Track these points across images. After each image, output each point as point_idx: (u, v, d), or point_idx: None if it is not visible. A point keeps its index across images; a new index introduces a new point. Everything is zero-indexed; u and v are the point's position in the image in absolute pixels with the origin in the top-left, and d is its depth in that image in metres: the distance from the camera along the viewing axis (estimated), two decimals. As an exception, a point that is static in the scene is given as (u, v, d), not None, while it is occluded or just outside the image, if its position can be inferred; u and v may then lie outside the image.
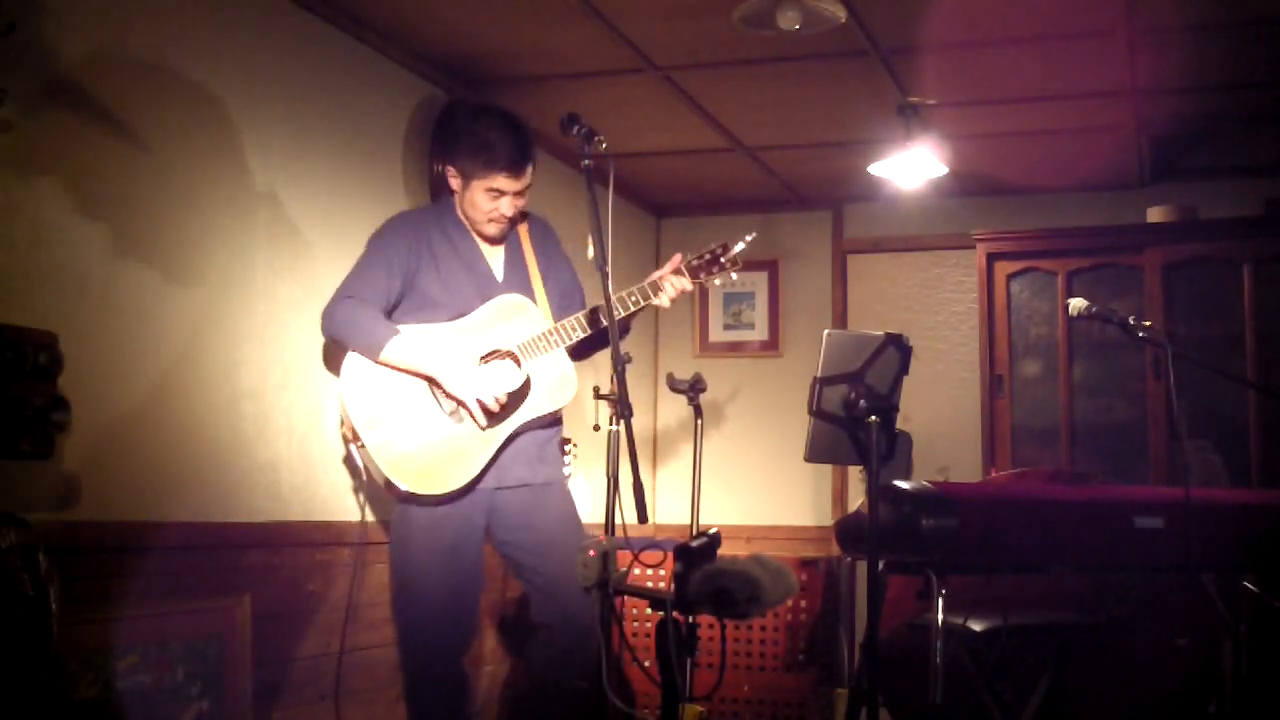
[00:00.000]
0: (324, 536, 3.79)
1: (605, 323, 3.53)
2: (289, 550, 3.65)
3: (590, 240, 3.30)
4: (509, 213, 3.58)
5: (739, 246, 3.70)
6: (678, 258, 3.69)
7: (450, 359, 3.45)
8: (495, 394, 3.44)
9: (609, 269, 3.30)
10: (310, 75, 3.82)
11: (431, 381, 3.47)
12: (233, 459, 3.47)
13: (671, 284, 3.63)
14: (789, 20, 3.68)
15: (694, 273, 3.68)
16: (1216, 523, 3.66)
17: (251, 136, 3.57)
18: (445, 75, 4.44)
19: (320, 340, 3.80)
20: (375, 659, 3.98)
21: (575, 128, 3.34)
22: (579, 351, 3.75)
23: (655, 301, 3.63)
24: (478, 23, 4.02)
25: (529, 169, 3.57)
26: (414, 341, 3.46)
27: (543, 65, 4.40)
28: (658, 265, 6.28)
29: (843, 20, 3.76)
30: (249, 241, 3.55)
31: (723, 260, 3.70)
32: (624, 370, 3.18)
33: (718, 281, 3.72)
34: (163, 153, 3.26)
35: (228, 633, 3.36)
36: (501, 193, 3.54)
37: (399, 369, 3.46)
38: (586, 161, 3.32)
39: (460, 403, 3.46)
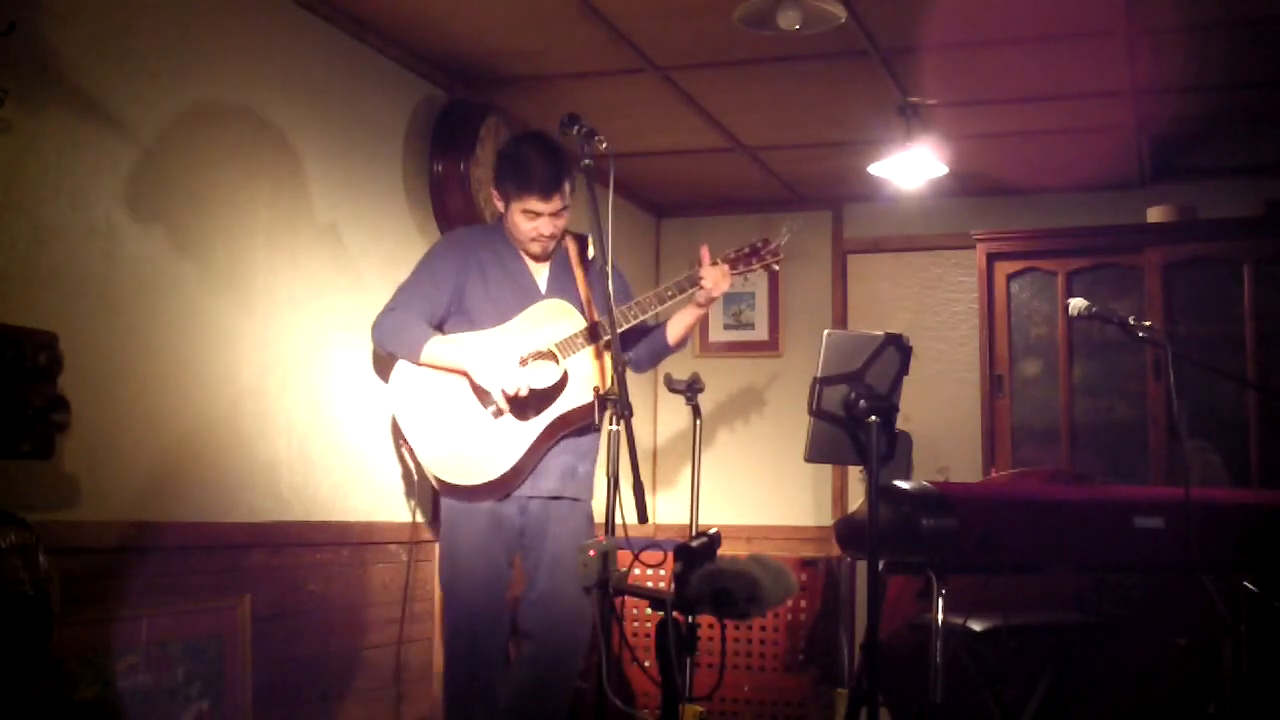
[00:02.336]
0: (324, 536, 3.79)
1: (640, 318, 3.76)
2: (289, 550, 3.65)
3: (591, 240, 3.30)
4: (548, 231, 3.71)
5: (782, 239, 3.89)
6: (705, 251, 3.83)
7: (482, 353, 3.60)
8: (521, 384, 3.57)
9: (610, 269, 3.30)
10: (310, 75, 3.82)
11: (466, 376, 3.62)
12: (233, 459, 3.47)
13: (708, 275, 3.79)
14: (789, 20, 3.68)
15: (733, 265, 3.84)
16: (1216, 523, 3.66)
17: (251, 136, 3.57)
18: (445, 75, 4.44)
19: (321, 339, 3.81)
20: (376, 659, 3.98)
21: (575, 128, 3.35)
22: (625, 344, 3.86)
23: (695, 290, 3.79)
24: (478, 23, 4.02)
25: (559, 192, 3.67)
26: (452, 341, 3.65)
27: (543, 65, 4.40)
28: (658, 265, 6.34)
29: (843, 20, 3.76)
30: (249, 241, 3.55)
31: (763, 252, 3.87)
32: (624, 371, 3.19)
33: (758, 270, 3.90)
34: (163, 153, 3.26)
35: (228, 633, 3.36)
36: (536, 214, 3.67)
37: (438, 367, 3.63)
38: (587, 161, 3.33)
39: (487, 393, 3.58)
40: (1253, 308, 5.15)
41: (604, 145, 3.32)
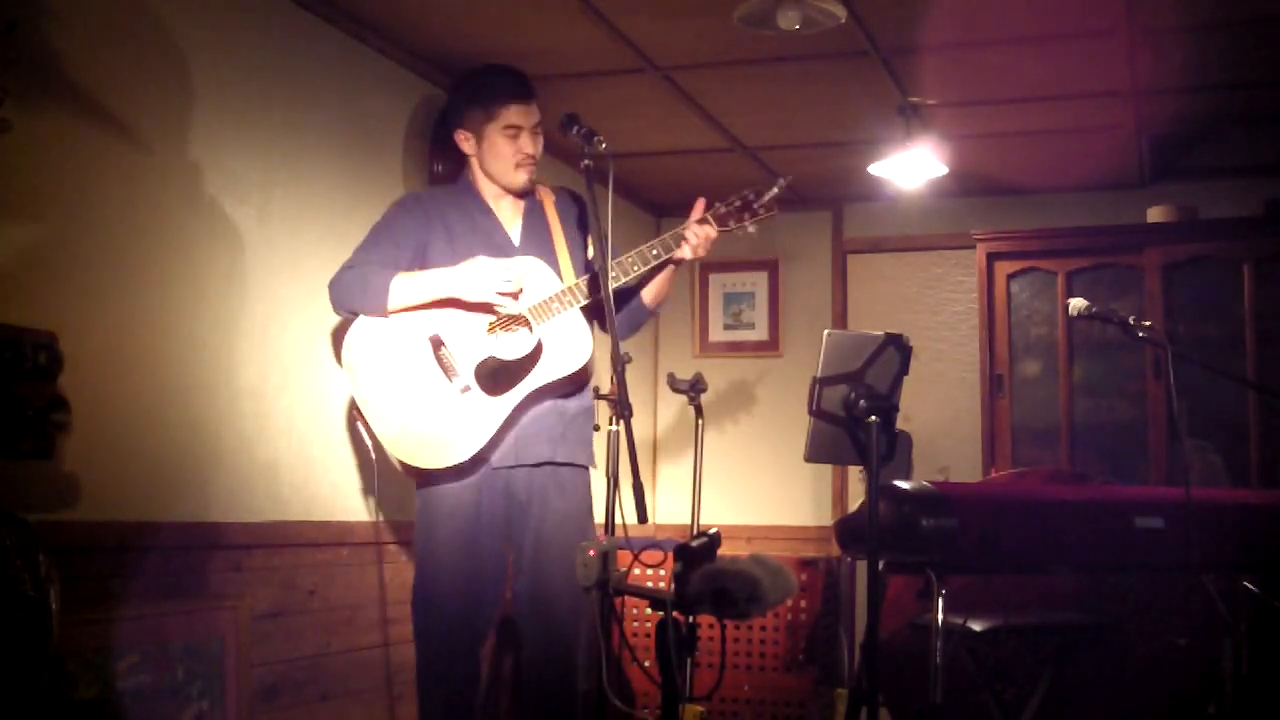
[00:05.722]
0: (324, 536, 3.79)
1: (622, 280, 3.44)
2: (289, 550, 3.64)
3: (591, 240, 3.29)
4: (532, 149, 3.51)
5: (773, 191, 3.54)
6: (701, 204, 3.55)
7: (457, 269, 3.34)
8: (511, 276, 3.31)
9: (610, 269, 3.29)
10: (310, 75, 3.82)
11: (453, 304, 3.35)
12: (233, 459, 3.47)
13: (695, 233, 3.50)
14: (789, 20, 3.68)
15: (721, 220, 3.53)
16: (1216, 523, 3.66)
17: (252, 136, 3.58)
18: (445, 75, 4.43)
19: (320, 339, 3.80)
20: (375, 659, 3.98)
21: (575, 128, 3.33)
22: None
23: (679, 253, 3.50)
24: (478, 23, 4.02)
25: (536, 99, 3.53)
26: (417, 275, 3.37)
27: (543, 65, 4.39)
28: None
29: (843, 20, 3.76)
30: (249, 241, 3.55)
31: (755, 205, 3.53)
32: (624, 370, 3.16)
33: (751, 229, 3.54)
34: (163, 153, 3.26)
35: (228, 633, 3.36)
36: (519, 128, 3.48)
37: (414, 306, 3.36)
38: (586, 161, 3.32)
39: (452, 366, 3.33)
40: (1253, 308, 5.15)
41: (604, 145, 3.31)
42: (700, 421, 4.90)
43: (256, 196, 3.59)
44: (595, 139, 3.31)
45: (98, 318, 3.04)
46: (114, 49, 3.12)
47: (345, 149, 3.98)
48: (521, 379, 3.39)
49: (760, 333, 6.30)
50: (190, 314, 3.33)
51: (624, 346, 3.24)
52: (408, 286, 3.35)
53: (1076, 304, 3.83)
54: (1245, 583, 3.81)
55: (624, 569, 2.55)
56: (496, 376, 3.36)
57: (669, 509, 6.20)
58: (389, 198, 4.18)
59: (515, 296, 3.35)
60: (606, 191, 3.29)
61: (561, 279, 3.49)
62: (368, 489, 3.98)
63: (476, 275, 3.32)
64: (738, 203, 3.55)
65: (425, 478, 3.40)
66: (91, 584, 2.94)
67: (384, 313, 3.37)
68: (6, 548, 2.35)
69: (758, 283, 6.29)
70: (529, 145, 3.52)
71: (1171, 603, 4.29)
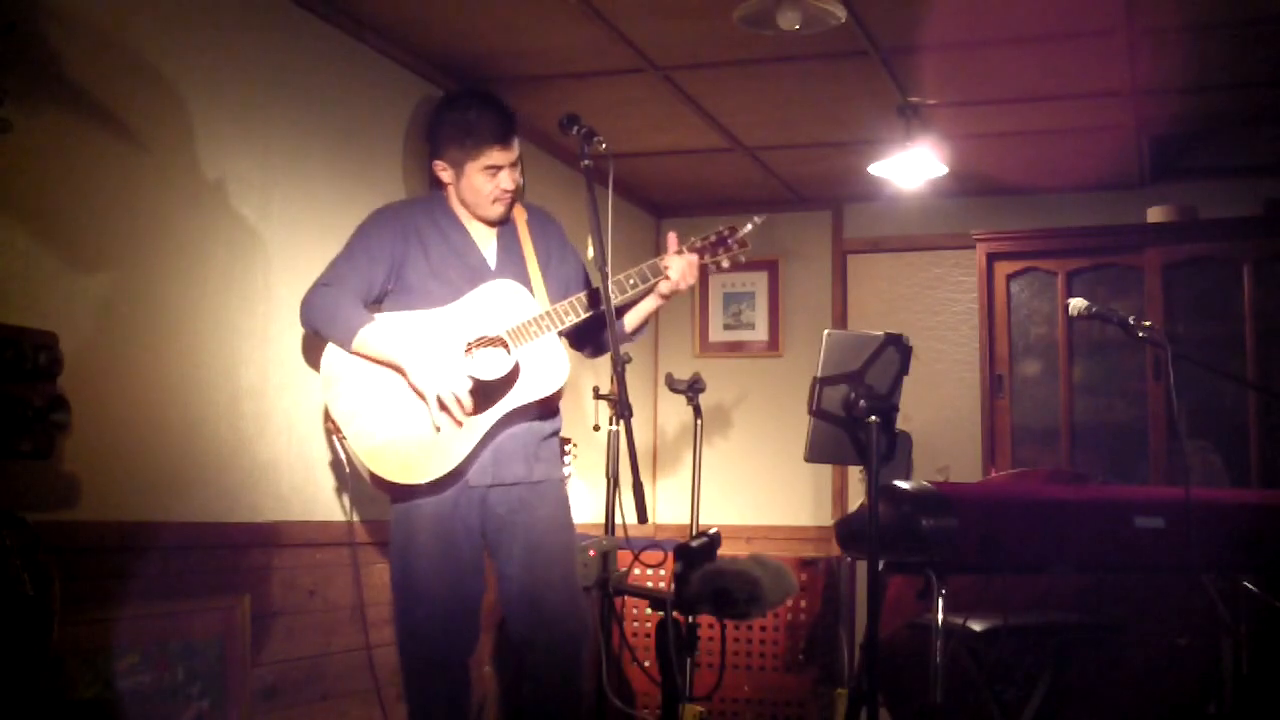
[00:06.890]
0: (324, 536, 3.78)
1: (583, 315, 3.47)
2: (289, 550, 3.64)
3: (590, 240, 3.30)
4: (510, 186, 3.53)
5: (747, 228, 3.62)
6: (673, 237, 3.60)
7: (422, 349, 3.38)
8: (460, 391, 3.35)
9: (609, 269, 3.30)
10: (310, 75, 3.82)
11: (402, 372, 3.40)
12: (233, 459, 3.47)
13: (676, 264, 3.54)
14: (789, 20, 3.68)
15: (699, 254, 3.59)
16: (1216, 523, 3.66)
17: (252, 136, 3.57)
18: (445, 75, 4.44)
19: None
20: (375, 659, 3.98)
21: (575, 128, 3.33)
22: (583, 342, 3.71)
23: (664, 286, 3.53)
24: (478, 23, 4.02)
25: (516, 139, 3.54)
26: (387, 329, 3.41)
27: (543, 65, 4.40)
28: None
29: (843, 20, 3.76)
30: (249, 241, 3.55)
31: (730, 242, 3.61)
32: (624, 370, 3.17)
33: (725, 264, 3.62)
34: (163, 153, 3.26)
35: (228, 633, 3.36)
36: (498, 167, 3.49)
37: (370, 358, 3.40)
38: (586, 161, 3.32)
39: (422, 396, 3.36)
40: (1253, 308, 5.15)
41: (604, 145, 3.31)
42: (699, 421, 4.91)
43: (256, 196, 3.59)
44: (595, 139, 3.31)
45: (98, 318, 3.04)
46: (114, 49, 3.12)
47: (345, 149, 3.98)
48: (498, 400, 3.43)
49: (760, 333, 6.31)
50: (190, 314, 3.33)
51: (623, 346, 3.25)
52: (371, 343, 3.39)
53: (1076, 304, 3.84)
54: (1245, 583, 3.82)
55: (624, 569, 2.56)
56: (473, 396, 3.39)
57: (669, 509, 6.20)
58: (389, 198, 4.18)
59: (463, 408, 3.37)
60: (606, 191, 3.29)
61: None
62: (363, 490, 3.98)
63: (431, 372, 3.35)
64: (713, 238, 3.62)
65: (400, 492, 3.42)
66: (91, 584, 2.94)
67: (346, 349, 3.41)
68: (7, 548, 2.36)
69: (758, 282, 6.29)
70: (508, 181, 3.53)
71: (1171, 603, 4.29)
